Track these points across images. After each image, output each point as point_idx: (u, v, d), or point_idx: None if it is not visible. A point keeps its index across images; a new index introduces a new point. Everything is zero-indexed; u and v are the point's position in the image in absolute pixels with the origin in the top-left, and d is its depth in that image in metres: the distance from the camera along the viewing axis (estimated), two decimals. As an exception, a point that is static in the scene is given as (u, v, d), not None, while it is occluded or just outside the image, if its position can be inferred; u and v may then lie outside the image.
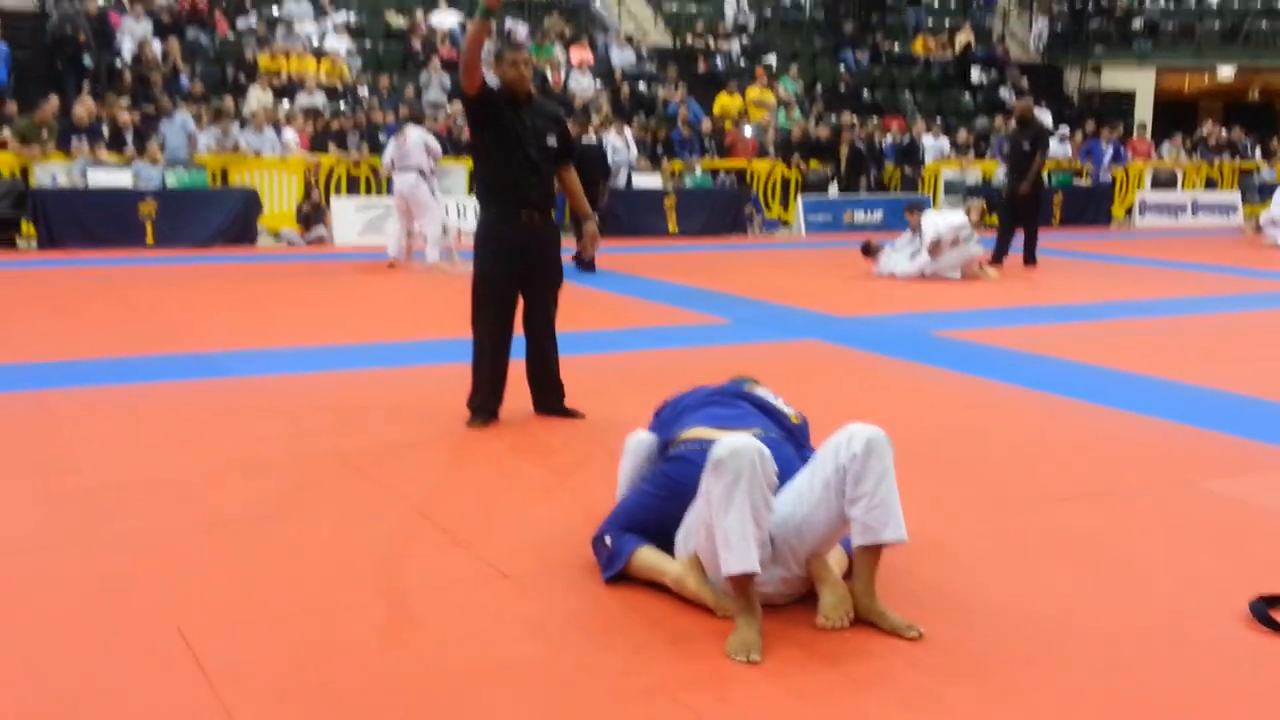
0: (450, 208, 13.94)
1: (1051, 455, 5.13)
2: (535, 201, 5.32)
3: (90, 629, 3.17)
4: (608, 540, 3.53)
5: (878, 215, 16.83)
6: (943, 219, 11.54)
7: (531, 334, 5.53)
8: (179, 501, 4.27)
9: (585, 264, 10.93)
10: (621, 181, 15.40)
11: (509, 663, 3.01)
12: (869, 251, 11.87)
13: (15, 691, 2.81)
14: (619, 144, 16.04)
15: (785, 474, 3.33)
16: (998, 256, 12.60)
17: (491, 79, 5.36)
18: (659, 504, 3.48)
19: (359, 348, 7.42)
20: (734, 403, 3.79)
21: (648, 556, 3.44)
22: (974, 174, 18.46)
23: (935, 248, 11.17)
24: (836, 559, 3.40)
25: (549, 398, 5.62)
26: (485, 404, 5.45)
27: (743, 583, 3.08)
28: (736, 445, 3.08)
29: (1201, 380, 6.63)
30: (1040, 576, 3.66)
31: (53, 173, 13.08)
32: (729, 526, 3.04)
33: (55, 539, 3.90)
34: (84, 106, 13.98)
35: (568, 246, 5.59)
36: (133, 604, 3.35)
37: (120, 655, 3.01)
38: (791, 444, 3.66)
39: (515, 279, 5.38)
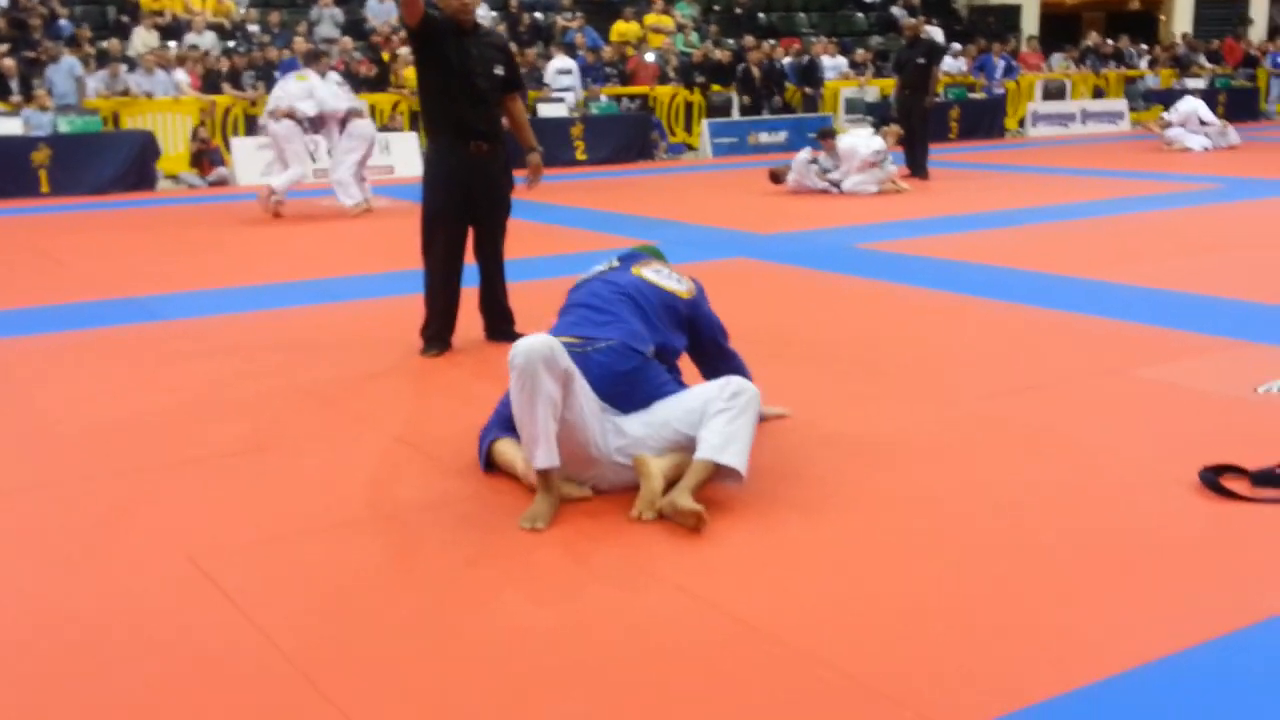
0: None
1: (986, 354, 5.38)
2: (483, 132, 5.34)
3: (102, 565, 3.21)
4: (483, 435, 3.87)
5: (782, 136, 17.02)
6: (862, 142, 11.74)
7: (482, 263, 5.59)
8: (157, 440, 4.28)
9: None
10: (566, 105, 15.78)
11: (498, 556, 3.17)
12: (777, 179, 12.10)
13: (46, 633, 2.84)
14: (566, 65, 16.05)
15: (638, 384, 3.66)
16: (918, 171, 12.94)
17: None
18: None
19: (291, 286, 7.38)
20: (606, 307, 3.89)
21: (505, 449, 3.77)
22: (872, 92, 18.72)
23: (859, 168, 11.49)
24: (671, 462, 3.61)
25: (500, 325, 5.69)
26: (439, 333, 5.50)
27: (545, 473, 3.44)
28: (526, 345, 3.40)
29: (1116, 278, 6.96)
30: (990, 462, 3.89)
31: (-64, 123, 12.61)
32: (536, 426, 3.37)
33: (44, 481, 3.90)
34: (-40, 55, 13.46)
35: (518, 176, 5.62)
36: (137, 538, 3.39)
37: (140, 588, 3.06)
38: (656, 340, 3.83)
39: (465, 209, 5.41)
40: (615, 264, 4.14)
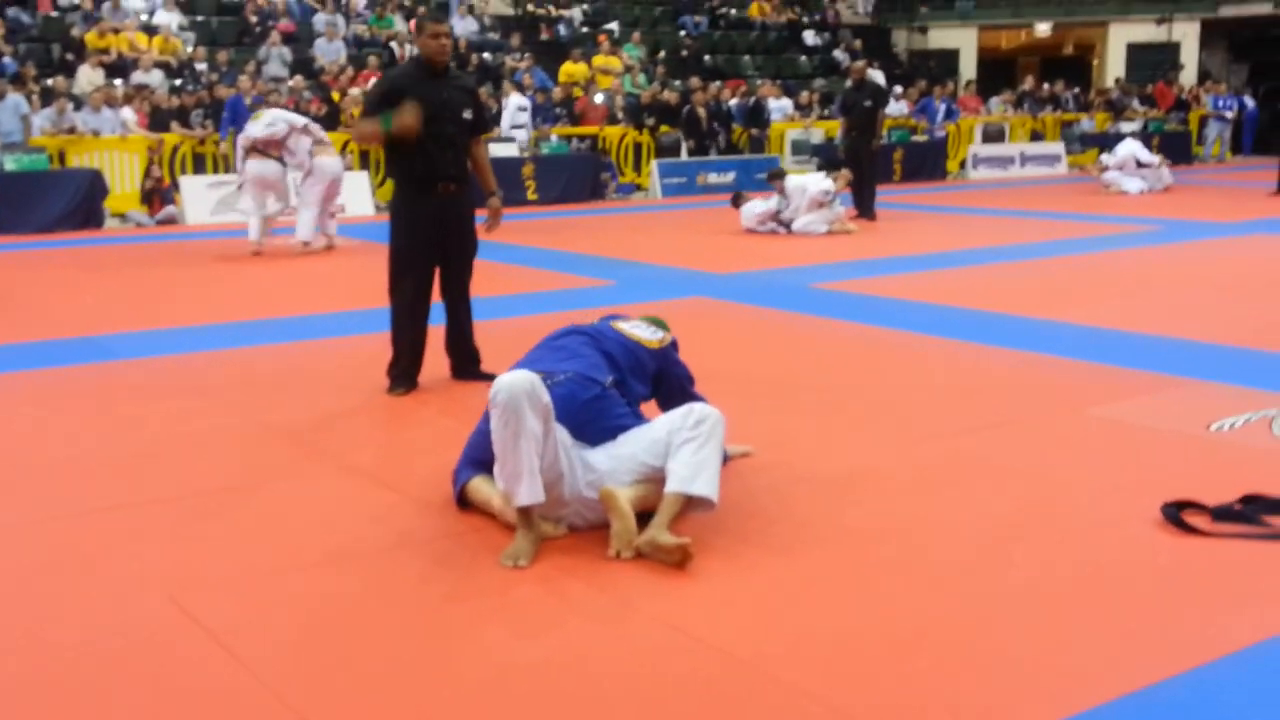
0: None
1: (942, 392, 5.49)
2: (451, 174, 5.40)
3: (82, 607, 3.19)
4: (455, 475, 3.91)
5: (730, 176, 17.22)
6: (811, 182, 11.94)
7: (449, 303, 5.63)
8: (127, 480, 4.26)
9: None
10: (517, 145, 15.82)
11: (479, 593, 3.20)
12: (738, 203, 12.28)
13: (26, 674, 2.82)
14: (524, 102, 16.16)
15: (600, 414, 3.72)
16: (866, 212, 13.12)
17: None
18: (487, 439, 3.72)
19: (250, 325, 7.34)
20: (565, 345, 4.00)
21: (479, 487, 3.79)
22: (818, 133, 19.01)
23: (808, 207, 11.70)
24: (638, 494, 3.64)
25: (467, 364, 5.72)
26: (406, 372, 5.53)
27: (527, 510, 3.47)
28: (509, 381, 3.44)
29: (1063, 317, 7.13)
30: (956, 499, 3.99)
31: (-120, 161, 12.42)
32: (520, 463, 3.40)
33: (14, 522, 3.86)
34: (-96, 92, 13.28)
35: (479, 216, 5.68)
36: (115, 578, 3.38)
37: (121, 630, 3.05)
38: (615, 375, 3.90)
39: (433, 250, 5.46)
40: (596, 321, 4.24)
